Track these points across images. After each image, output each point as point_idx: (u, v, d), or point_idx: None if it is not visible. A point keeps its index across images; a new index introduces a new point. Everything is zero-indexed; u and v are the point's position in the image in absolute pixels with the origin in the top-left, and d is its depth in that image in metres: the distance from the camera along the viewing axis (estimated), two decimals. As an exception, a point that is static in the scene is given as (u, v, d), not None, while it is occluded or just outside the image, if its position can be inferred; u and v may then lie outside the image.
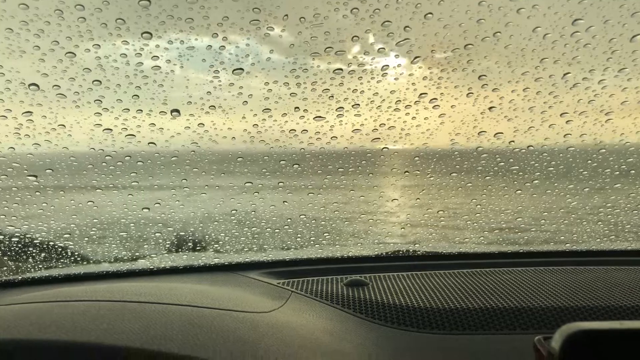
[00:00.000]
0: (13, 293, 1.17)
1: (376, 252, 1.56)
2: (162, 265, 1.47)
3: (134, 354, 0.71)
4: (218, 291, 1.14)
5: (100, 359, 0.70)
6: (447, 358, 0.94)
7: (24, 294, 1.12)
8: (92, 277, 1.38)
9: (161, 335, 0.76)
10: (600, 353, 0.67)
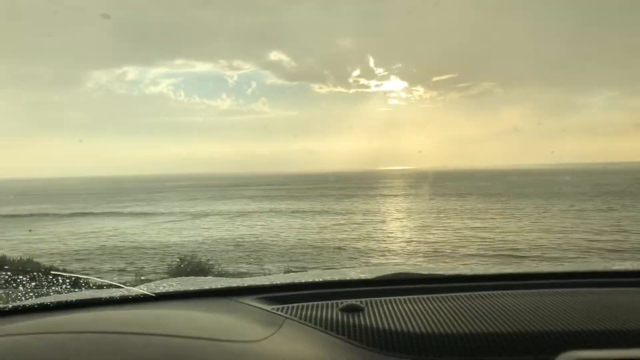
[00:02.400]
0: (1, 322, 1.17)
1: (373, 276, 1.54)
2: (154, 291, 1.46)
3: None
4: (208, 319, 1.13)
5: None
6: None
7: (11, 323, 1.12)
8: (83, 304, 1.36)
9: None
10: None
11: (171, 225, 35.36)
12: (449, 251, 20.87)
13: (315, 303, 1.32)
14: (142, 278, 15.19)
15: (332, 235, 27.29)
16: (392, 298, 1.35)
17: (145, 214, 43.82)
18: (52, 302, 1.37)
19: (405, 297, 1.36)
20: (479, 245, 22.32)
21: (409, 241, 24.54)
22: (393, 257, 20.34)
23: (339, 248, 22.72)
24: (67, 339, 0.87)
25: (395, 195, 61.64)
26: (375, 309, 1.26)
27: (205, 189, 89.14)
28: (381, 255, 20.79)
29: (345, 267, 19.07)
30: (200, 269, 13.04)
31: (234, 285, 1.51)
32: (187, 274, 12.52)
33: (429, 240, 24.42)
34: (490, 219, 32.37)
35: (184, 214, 43.23)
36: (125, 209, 49.11)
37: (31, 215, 44.38)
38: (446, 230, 27.67)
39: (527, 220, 30.71)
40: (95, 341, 0.85)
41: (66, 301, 1.39)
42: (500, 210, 37.15)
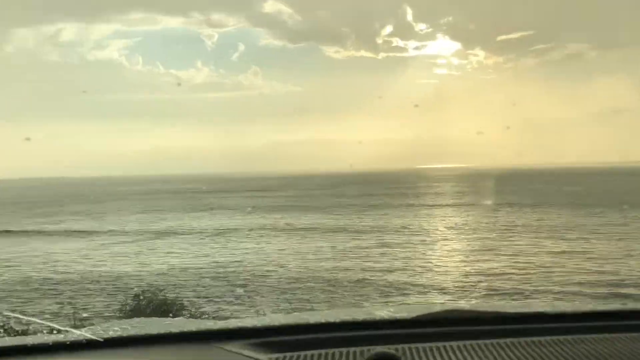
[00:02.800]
0: None
1: (413, 315, 1.55)
2: (102, 336, 1.48)
3: None
4: None
5: None
6: None
7: None
8: (24, 351, 1.39)
9: None
10: None
11: (123, 248, 35.60)
12: (518, 288, 20.78)
13: (331, 351, 1.31)
14: (84, 319, 15.34)
15: (352, 263, 27.30)
16: (438, 344, 1.34)
17: (87, 233, 44.17)
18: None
19: (457, 342, 1.34)
20: (562, 278, 22.20)
21: (463, 272, 24.49)
22: (439, 294, 20.33)
23: (362, 281, 22.74)
24: None
25: (442, 206, 61.38)
26: (416, 359, 1.26)
27: (173, 196, 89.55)
28: (421, 293, 20.80)
29: (374, 306, 18.95)
30: (165, 309, 13.12)
31: (214, 327, 1.51)
32: (148, 315, 12.61)
33: (491, 271, 24.33)
34: (582, 239, 32.13)
35: (142, 233, 43.50)
36: (59, 225, 49.54)
37: None
38: (516, 256, 27.52)
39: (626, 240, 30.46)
40: None
41: (9, 346, 1.43)
42: (594, 228, 36.84)
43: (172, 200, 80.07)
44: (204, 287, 22.56)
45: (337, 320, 1.51)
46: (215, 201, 76.12)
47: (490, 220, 44.17)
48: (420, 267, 26.02)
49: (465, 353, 1.28)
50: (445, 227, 41.90)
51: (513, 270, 24.04)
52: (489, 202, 61.51)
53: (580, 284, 21.10)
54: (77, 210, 65.80)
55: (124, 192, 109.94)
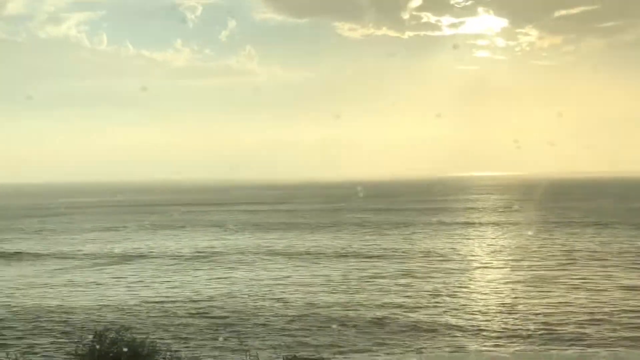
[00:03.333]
0: None
1: None
2: None
3: None
4: None
5: None
6: None
7: None
8: None
9: None
10: None
11: (80, 274, 35.44)
12: (578, 331, 20.53)
13: None
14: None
15: (366, 296, 27.12)
16: None
17: (38, 256, 43.95)
18: None
19: None
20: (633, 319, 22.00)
21: (508, 310, 24.28)
22: (475, 339, 20.09)
23: (380, 320, 22.56)
24: None
25: (479, 224, 61.01)
26: None
27: (140, 210, 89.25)
28: (454, 337, 20.57)
29: (390, 355, 18.64)
30: (132, 352, 13.02)
31: None
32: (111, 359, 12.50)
33: (543, 309, 24.12)
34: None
35: (104, 256, 43.33)
36: (4, 246, 49.43)
37: None
38: (576, 289, 27.31)
39: None
40: None
41: None
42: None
43: (141, 215, 79.85)
44: (180, 324, 22.36)
45: None
46: (197, 216, 75.77)
47: (539, 242, 43.77)
48: (450, 303, 25.78)
49: None
50: (482, 251, 41.55)
51: (572, 307, 23.80)
52: (538, 219, 61.08)
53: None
54: (26, 228, 65.69)
55: (83, 204, 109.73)
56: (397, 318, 22.92)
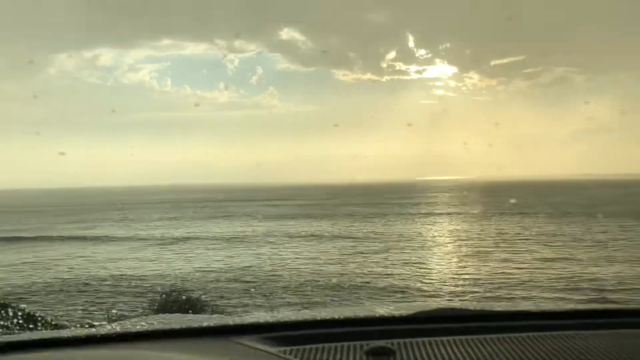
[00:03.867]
0: None
1: (409, 312, 1.55)
2: (129, 330, 1.50)
3: None
4: None
5: None
6: None
7: None
8: (41, 345, 1.40)
9: None
10: None
11: (151, 252, 35.69)
12: (509, 291, 20.70)
13: (334, 345, 1.32)
14: (114, 315, 15.38)
15: (355, 266, 27.25)
16: (431, 339, 1.35)
17: (116, 239, 44.28)
18: (30, 339, 1.46)
19: (449, 337, 1.36)
20: (545, 280, 22.13)
21: (456, 276, 24.43)
22: (432, 298, 20.25)
23: (365, 284, 22.73)
24: None
25: (439, 214, 61.22)
26: (410, 353, 1.27)
27: (195, 205, 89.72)
28: (419, 295, 20.72)
29: (373, 303, 18.97)
30: (189, 306, 13.16)
31: (231, 322, 1.52)
32: (172, 312, 12.65)
33: (482, 275, 24.26)
34: (565, 247, 32.02)
35: (168, 238, 43.59)
36: (90, 232, 49.72)
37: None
38: (505, 261, 27.44)
39: (613, 249, 30.30)
40: None
41: (47, 338, 1.44)
42: (577, 236, 36.72)
43: (194, 209, 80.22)
44: (222, 285, 22.60)
45: (340, 317, 1.52)
46: (236, 209, 76.12)
47: (481, 229, 44.07)
48: (411, 272, 25.96)
49: (455, 348, 1.28)
50: (439, 235, 41.86)
51: (502, 276, 23.95)
52: (476, 211, 61.45)
53: (566, 286, 21.03)
54: (106, 218, 66.08)
55: (150, 201, 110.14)
56: (377, 282, 23.09)
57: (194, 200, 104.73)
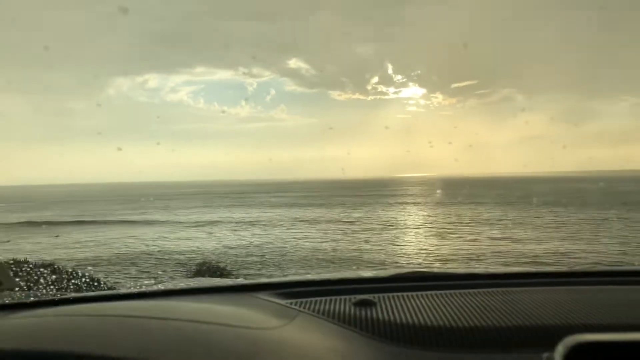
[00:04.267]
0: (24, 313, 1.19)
1: (386, 274, 1.58)
2: (171, 289, 1.53)
3: None
4: (221, 309, 1.17)
5: None
6: None
7: (56, 309, 1.17)
8: (103, 299, 1.41)
9: (157, 349, 0.79)
10: None
11: (187, 232, 35.64)
12: (466, 264, 20.71)
13: (329, 298, 1.35)
14: (161, 277, 15.36)
15: (345, 244, 27.23)
16: (404, 294, 1.38)
17: (164, 222, 44.22)
18: (71, 297, 1.46)
19: (417, 293, 1.39)
20: (491, 253, 22.13)
21: (424, 252, 24.44)
22: (408, 266, 20.22)
23: (355, 257, 22.72)
24: (86, 321, 0.95)
25: (411, 203, 61.18)
26: (388, 304, 1.29)
27: (221, 196, 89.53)
28: (399, 264, 20.72)
29: (359, 269, 19.02)
30: (217, 273, 13.22)
31: (250, 282, 1.56)
32: (204, 276, 12.69)
33: (444, 251, 24.27)
34: (507, 228, 32.02)
35: (201, 222, 43.50)
36: (139, 217, 49.66)
37: (49, 222, 45.17)
38: (462, 240, 27.42)
39: (545, 230, 30.30)
40: (114, 323, 0.92)
41: (85, 296, 1.45)
42: (517, 220, 36.71)
43: (221, 199, 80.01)
44: (244, 258, 22.56)
45: (333, 278, 1.55)
46: (253, 200, 75.92)
47: (438, 212, 43.98)
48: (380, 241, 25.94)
49: (425, 300, 1.31)
50: (413, 218, 41.78)
51: (456, 248, 23.96)
52: (438, 200, 61.41)
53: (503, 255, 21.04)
54: (155, 207, 65.84)
55: (188, 192, 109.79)
56: (362, 256, 23.08)
57: (219, 193, 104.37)
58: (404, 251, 24.32)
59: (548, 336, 1.06)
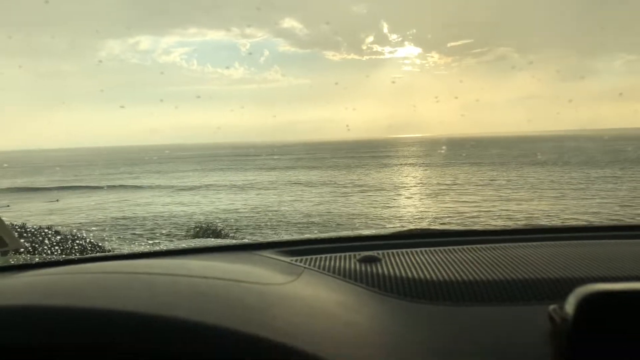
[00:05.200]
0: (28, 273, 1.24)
1: (388, 232, 1.61)
2: (176, 248, 1.57)
3: (141, 320, 0.75)
4: (228, 266, 1.18)
5: (106, 322, 0.75)
6: (460, 328, 0.96)
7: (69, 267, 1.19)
8: (109, 259, 1.43)
9: (168, 303, 0.81)
10: (616, 315, 0.65)
11: (183, 197, 35.60)
12: (462, 222, 20.95)
13: (334, 255, 1.37)
14: (163, 237, 15.48)
15: (339, 205, 27.33)
16: (408, 250, 1.40)
17: (159, 186, 44.00)
18: (76, 257, 1.60)
19: (421, 249, 1.41)
20: (485, 213, 22.41)
21: (419, 211, 24.68)
22: (407, 224, 20.36)
23: (350, 217, 22.94)
24: (96, 277, 0.98)
25: (409, 164, 60.81)
26: (392, 260, 1.31)
27: (215, 159, 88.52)
28: (395, 224, 20.91)
29: (361, 228, 18.93)
30: (216, 235, 13.42)
31: (254, 241, 1.59)
32: (205, 237, 12.86)
33: (438, 210, 24.49)
34: (504, 188, 32.21)
35: (196, 185, 43.32)
36: (134, 182, 49.40)
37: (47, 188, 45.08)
38: (457, 202, 27.58)
39: (540, 191, 30.50)
40: (124, 279, 0.95)
41: (92, 256, 1.54)
42: (512, 179, 36.83)
43: (216, 162, 79.08)
44: (244, 220, 22.63)
45: (337, 236, 1.59)
46: (248, 164, 75.02)
47: (434, 174, 43.96)
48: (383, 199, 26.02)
49: (428, 255, 1.34)
50: (410, 178, 41.76)
51: (454, 209, 24.09)
52: (435, 162, 60.95)
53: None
54: (148, 170, 65.43)
55: (183, 156, 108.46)
56: (361, 216, 23.34)
57: (214, 155, 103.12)
58: (401, 212, 24.54)
59: (554, 289, 1.06)
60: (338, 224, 21.33)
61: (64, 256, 1.65)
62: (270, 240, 1.54)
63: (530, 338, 0.84)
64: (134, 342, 0.72)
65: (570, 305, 0.68)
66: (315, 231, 19.41)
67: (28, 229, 10.13)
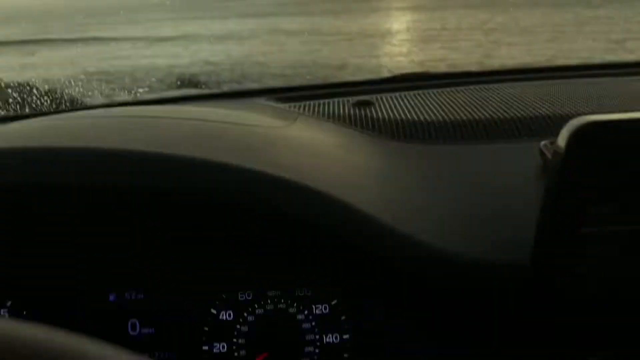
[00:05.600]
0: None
1: (383, 76, 1.63)
2: (165, 96, 1.61)
3: (146, 158, 0.77)
4: (226, 111, 1.22)
5: (115, 162, 0.76)
6: (453, 165, 1.00)
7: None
8: (104, 107, 1.46)
9: (172, 142, 0.84)
10: (612, 146, 0.62)
11: (158, 48, 34.49)
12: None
13: (327, 100, 1.40)
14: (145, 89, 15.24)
15: (332, 53, 26.79)
16: (401, 93, 1.44)
17: (135, 38, 42.38)
18: (74, 107, 1.60)
19: (415, 92, 1.43)
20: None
21: (417, 59, 24.28)
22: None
23: (342, 64, 22.57)
24: (99, 120, 1.00)
25: (398, 8, 58.68)
26: (386, 103, 1.35)
27: (194, 5, 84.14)
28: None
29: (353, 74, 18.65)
30: (206, 86, 12.99)
31: (245, 89, 1.64)
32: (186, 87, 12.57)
33: (438, 51, 24.11)
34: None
35: (173, 36, 41.78)
36: (107, 34, 47.38)
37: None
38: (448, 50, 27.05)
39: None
40: (127, 121, 0.97)
41: (90, 105, 1.56)
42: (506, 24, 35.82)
43: (187, 11, 75.49)
44: (217, 70, 22.14)
45: (330, 82, 1.62)
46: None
47: (430, 17, 42.56)
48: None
49: (422, 97, 1.36)
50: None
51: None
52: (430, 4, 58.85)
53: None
54: (118, 20, 62.36)
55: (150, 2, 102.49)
56: (359, 63, 22.84)
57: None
58: (395, 59, 24.12)
59: (547, 125, 1.10)
60: (326, 75, 20.97)
61: (54, 106, 1.48)
62: (263, 87, 1.61)
63: (521, 173, 0.86)
64: (134, 181, 0.74)
65: (563, 137, 0.65)
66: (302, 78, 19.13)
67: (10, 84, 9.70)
